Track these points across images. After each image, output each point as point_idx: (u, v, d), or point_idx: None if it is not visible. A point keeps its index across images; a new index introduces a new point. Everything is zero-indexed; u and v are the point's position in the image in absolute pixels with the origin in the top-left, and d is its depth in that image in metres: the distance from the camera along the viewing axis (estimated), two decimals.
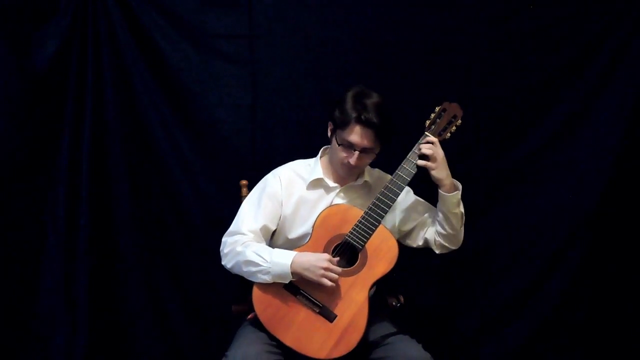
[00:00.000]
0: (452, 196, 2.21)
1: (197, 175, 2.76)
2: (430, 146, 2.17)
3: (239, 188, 2.45)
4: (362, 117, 2.14)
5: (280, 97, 2.76)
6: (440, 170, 2.18)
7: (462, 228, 2.30)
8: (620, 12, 2.71)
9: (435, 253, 2.33)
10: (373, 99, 2.17)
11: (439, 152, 2.17)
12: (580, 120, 2.77)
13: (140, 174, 2.75)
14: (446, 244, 2.30)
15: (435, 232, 2.30)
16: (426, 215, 2.34)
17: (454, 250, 2.32)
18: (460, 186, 2.25)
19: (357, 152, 2.17)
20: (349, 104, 2.17)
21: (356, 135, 2.16)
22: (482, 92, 2.76)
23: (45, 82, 2.64)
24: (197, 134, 2.76)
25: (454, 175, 2.76)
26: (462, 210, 2.26)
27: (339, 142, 2.20)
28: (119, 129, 2.71)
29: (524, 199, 2.81)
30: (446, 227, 2.26)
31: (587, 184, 2.77)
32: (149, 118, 2.72)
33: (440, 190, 2.22)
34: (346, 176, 2.28)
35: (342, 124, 2.17)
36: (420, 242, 2.34)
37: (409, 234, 2.36)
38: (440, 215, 2.26)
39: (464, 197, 2.22)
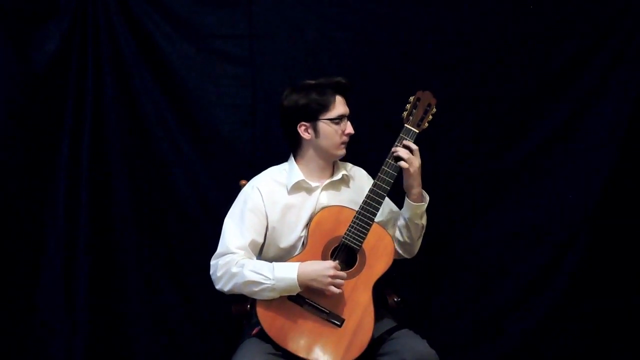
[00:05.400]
0: (418, 206, 2.22)
1: (197, 175, 2.76)
2: (412, 145, 2.17)
3: (239, 188, 2.45)
4: (337, 85, 2.22)
5: (280, 97, 2.76)
6: (414, 178, 2.18)
7: (420, 240, 2.30)
8: (620, 11, 2.71)
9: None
10: (314, 80, 2.25)
11: (417, 159, 2.17)
12: (580, 120, 2.77)
13: (140, 174, 2.75)
14: (400, 251, 2.31)
15: (392, 236, 2.29)
16: (390, 217, 2.34)
17: (408, 259, 2.33)
18: (427, 198, 2.25)
19: (348, 121, 2.24)
20: (312, 92, 2.22)
21: (340, 104, 2.23)
22: (482, 92, 2.76)
23: (45, 82, 2.64)
24: (197, 134, 2.76)
25: (454, 174, 2.78)
26: (424, 222, 2.27)
27: (331, 124, 2.21)
28: (119, 129, 2.71)
29: (524, 199, 2.81)
30: (404, 235, 2.27)
31: (587, 184, 2.77)
32: (149, 118, 2.72)
33: (407, 198, 2.22)
34: (343, 155, 2.28)
35: (324, 107, 2.21)
36: None
37: None
38: (402, 221, 2.26)
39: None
